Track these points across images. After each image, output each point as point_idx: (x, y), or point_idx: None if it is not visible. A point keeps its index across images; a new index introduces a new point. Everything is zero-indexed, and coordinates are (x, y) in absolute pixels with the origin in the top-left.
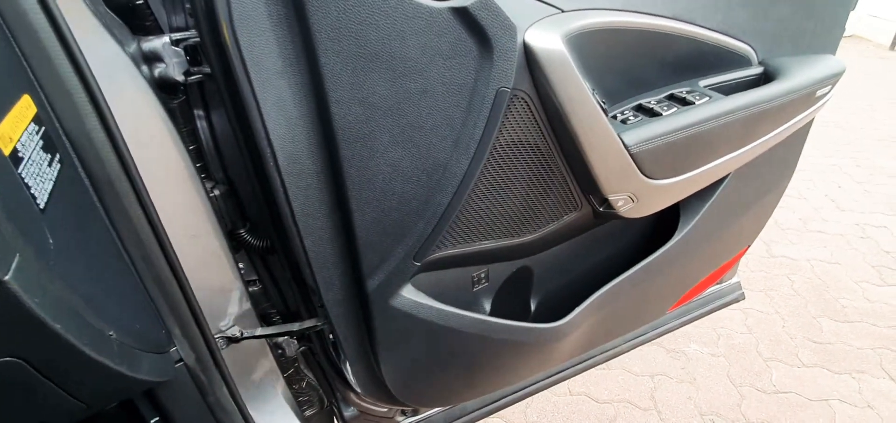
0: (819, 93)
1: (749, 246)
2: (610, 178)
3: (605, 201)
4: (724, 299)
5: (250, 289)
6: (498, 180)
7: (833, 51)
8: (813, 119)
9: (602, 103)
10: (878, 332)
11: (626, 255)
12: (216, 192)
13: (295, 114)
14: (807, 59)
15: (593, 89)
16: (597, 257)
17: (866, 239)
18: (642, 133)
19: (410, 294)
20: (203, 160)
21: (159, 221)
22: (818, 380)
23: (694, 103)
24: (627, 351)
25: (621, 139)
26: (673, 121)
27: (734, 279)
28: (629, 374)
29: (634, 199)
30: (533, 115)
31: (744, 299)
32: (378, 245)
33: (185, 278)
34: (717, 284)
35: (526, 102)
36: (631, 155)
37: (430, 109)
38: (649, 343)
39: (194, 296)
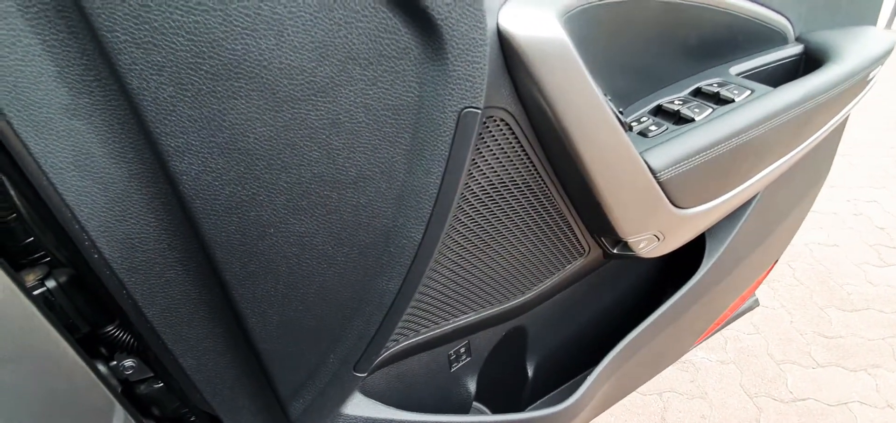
0: (871, 75)
1: (777, 260)
2: (631, 216)
3: (620, 242)
4: (739, 310)
5: (148, 390)
6: (472, 243)
7: (874, 21)
8: None
9: (619, 113)
10: (887, 319)
11: (639, 293)
12: (50, 283)
13: (115, 174)
14: (852, 32)
15: (606, 94)
16: (605, 300)
17: (859, 216)
18: (674, 151)
19: (359, 409)
20: (32, 235)
21: None
22: (835, 381)
23: (733, 100)
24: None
25: (646, 163)
26: (713, 129)
27: None
28: (636, 393)
29: (660, 237)
30: (520, 143)
31: (758, 305)
32: (296, 359)
33: None
34: None
35: (508, 125)
36: (659, 183)
37: (350, 151)
38: None
39: None
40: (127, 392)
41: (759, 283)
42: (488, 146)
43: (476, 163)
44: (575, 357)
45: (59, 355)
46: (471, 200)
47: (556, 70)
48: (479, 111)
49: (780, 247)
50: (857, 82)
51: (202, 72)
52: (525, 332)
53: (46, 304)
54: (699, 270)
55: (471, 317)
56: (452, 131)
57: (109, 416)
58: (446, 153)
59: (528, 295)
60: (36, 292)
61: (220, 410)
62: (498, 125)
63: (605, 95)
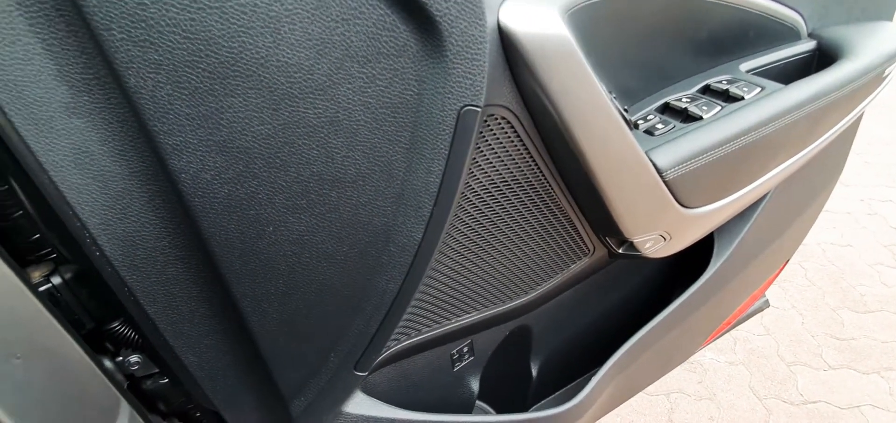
0: (886, 71)
1: (788, 260)
2: (636, 216)
3: (625, 242)
4: (749, 310)
5: (153, 386)
6: (474, 243)
7: (890, 16)
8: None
9: (623, 111)
10: None
11: (646, 293)
12: (55, 280)
13: (115, 172)
14: (867, 28)
15: (611, 93)
16: (610, 300)
17: (874, 216)
18: (681, 150)
19: (360, 408)
20: (38, 232)
21: None
22: (847, 383)
23: (743, 98)
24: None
25: (652, 161)
26: (721, 128)
27: None
28: (642, 394)
29: (667, 237)
30: (522, 141)
31: (768, 306)
32: (297, 357)
33: None
34: None
35: (509, 122)
36: (665, 183)
37: (349, 149)
38: None
39: None
40: (133, 388)
41: (770, 283)
42: (489, 145)
43: (477, 162)
44: (580, 357)
45: (66, 351)
46: (472, 199)
47: (558, 68)
48: (480, 109)
49: (791, 247)
50: (872, 79)
51: (199, 69)
52: (529, 331)
53: (52, 300)
54: (707, 270)
55: (473, 316)
56: (452, 130)
57: (115, 411)
58: (446, 152)
59: (532, 295)
60: (41, 289)
61: (221, 406)
62: (499, 124)
63: (610, 92)
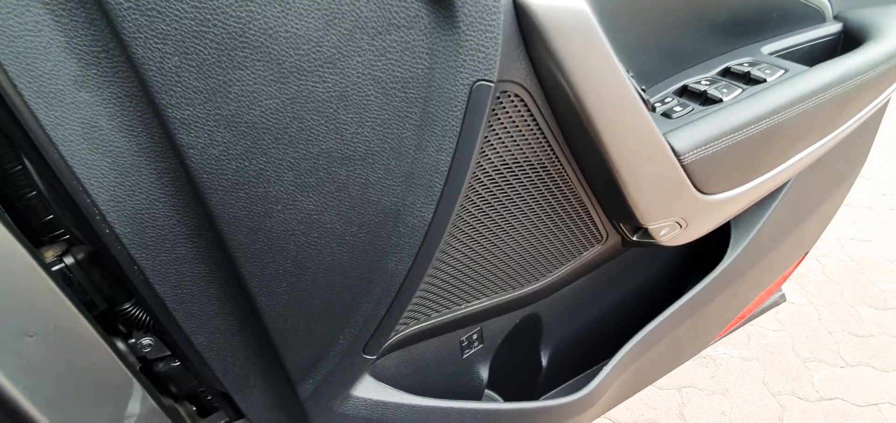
0: None
1: (808, 252)
2: (652, 201)
3: (640, 229)
4: (764, 304)
5: (165, 368)
6: (484, 226)
7: None
8: None
9: (642, 92)
10: None
11: (659, 283)
12: (68, 260)
13: (124, 147)
14: (895, 10)
15: (629, 72)
16: (623, 289)
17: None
18: (699, 133)
19: (368, 391)
20: (52, 213)
21: None
22: (864, 381)
23: (765, 80)
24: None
25: (670, 144)
26: (742, 111)
27: None
28: (653, 387)
29: (683, 224)
30: (535, 120)
31: (784, 301)
32: (305, 339)
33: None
34: None
35: (522, 100)
36: (683, 166)
37: (358, 126)
38: None
39: None
40: (145, 370)
41: (787, 277)
42: (502, 123)
43: (488, 140)
44: (591, 347)
45: (78, 331)
46: (483, 179)
47: (575, 42)
48: (492, 85)
49: (809, 240)
50: None
51: (207, 40)
52: (539, 320)
53: (65, 280)
54: (723, 260)
55: (483, 303)
56: (464, 106)
57: (128, 392)
58: (457, 129)
59: (543, 282)
60: (54, 269)
61: (230, 387)
62: (512, 101)
63: (630, 73)
